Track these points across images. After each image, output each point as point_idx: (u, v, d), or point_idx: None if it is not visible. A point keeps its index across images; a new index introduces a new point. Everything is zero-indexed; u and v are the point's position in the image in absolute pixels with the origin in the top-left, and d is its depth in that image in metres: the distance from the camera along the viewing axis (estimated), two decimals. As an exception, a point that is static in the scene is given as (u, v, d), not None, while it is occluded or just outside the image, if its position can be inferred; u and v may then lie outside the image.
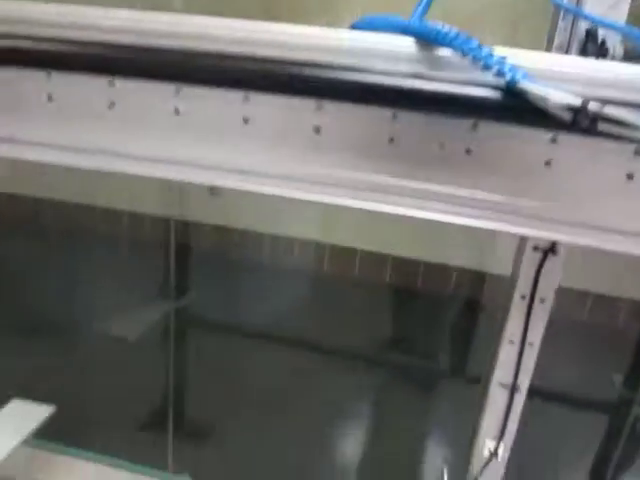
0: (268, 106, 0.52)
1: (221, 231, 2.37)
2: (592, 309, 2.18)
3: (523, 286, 0.93)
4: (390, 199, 0.54)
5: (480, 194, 0.54)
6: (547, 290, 0.92)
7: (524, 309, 0.93)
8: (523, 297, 0.93)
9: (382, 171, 0.53)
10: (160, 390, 1.56)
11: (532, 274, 0.91)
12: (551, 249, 0.87)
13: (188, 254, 2.13)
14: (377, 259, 2.31)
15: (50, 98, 0.56)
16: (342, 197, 0.54)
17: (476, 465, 1.08)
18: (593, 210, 0.54)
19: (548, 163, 0.53)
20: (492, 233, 0.56)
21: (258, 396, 1.80)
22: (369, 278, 2.32)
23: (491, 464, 1.06)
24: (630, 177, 0.52)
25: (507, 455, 1.07)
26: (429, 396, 1.96)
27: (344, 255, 2.33)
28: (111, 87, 0.54)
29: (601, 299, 2.17)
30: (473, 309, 2.20)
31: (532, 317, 0.93)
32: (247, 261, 2.42)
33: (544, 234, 0.56)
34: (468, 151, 0.52)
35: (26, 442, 1.17)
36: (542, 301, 0.92)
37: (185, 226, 2.20)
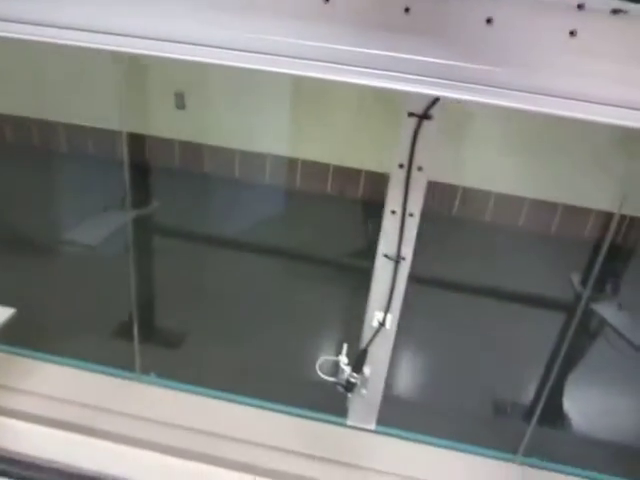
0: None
1: (188, 146, 2.40)
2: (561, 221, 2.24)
3: (401, 154, 0.90)
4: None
5: (418, 57, 0.52)
6: (424, 158, 0.89)
7: (402, 178, 0.90)
8: (401, 166, 0.90)
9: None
10: (125, 296, 1.55)
11: (408, 141, 0.87)
12: (424, 115, 0.83)
13: (150, 169, 2.11)
14: (349, 173, 2.35)
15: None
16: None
17: (367, 335, 1.08)
18: (536, 71, 0.52)
19: (490, 21, 0.51)
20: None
21: (220, 301, 1.88)
22: (341, 193, 2.38)
23: (380, 333, 1.05)
24: (573, 34, 0.50)
25: (395, 325, 1.05)
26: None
27: (316, 170, 2.37)
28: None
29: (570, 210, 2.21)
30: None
31: (411, 186, 0.91)
32: (215, 177, 2.48)
33: (488, 100, 0.54)
34: (407, 10, 0.51)
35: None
36: (419, 169, 0.89)
37: (149, 141, 2.20)
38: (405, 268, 0.99)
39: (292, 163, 2.38)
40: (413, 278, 1.01)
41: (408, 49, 0.52)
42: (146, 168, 2.04)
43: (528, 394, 1.59)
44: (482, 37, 0.51)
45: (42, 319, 1.60)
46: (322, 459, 1.13)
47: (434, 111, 0.84)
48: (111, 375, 1.36)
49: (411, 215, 0.94)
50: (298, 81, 2.03)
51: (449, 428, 1.24)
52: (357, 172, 2.34)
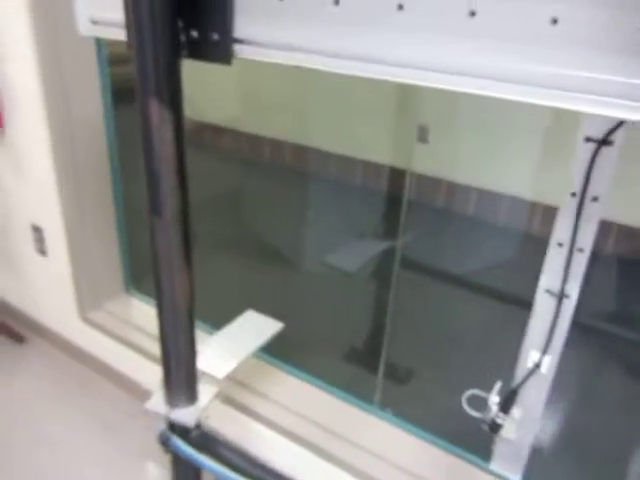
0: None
1: (426, 180, 2.43)
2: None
3: (575, 182, 0.85)
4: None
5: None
6: (600, 187, 0.83)
7: (574, 208, 0.86)
8: (573, 194, 0.85)
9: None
10: (373, 326, 1.63)
11: (584, 168, 0.83)
12: (604, 140, 0.79)
13: (398, 201, 2.20)
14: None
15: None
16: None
17: (519, 375, 1.02)
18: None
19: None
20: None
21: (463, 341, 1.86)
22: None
23: (534, 376, 0.99)
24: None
25: (553, 368, 0.98)
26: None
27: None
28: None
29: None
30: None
31: (582, 218, 0.85)
32: (451, 212, 2.47)
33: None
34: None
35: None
36: (594, 199, 0.84)
37: (397, 173, 2.29)
38: (569, 307, 0.94)
39: (536, 208, 2.32)
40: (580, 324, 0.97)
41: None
42: (392, 199, 2.19)
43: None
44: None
45: (292, 333, 1.76)
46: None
47: (616, 136, 0.80)
48: (348, 401, 1.49)
49: (580, 250, 0.89)
50: (551, 117, 1.96)
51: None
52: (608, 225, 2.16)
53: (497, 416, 1.08)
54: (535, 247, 2.36)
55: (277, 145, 2.88)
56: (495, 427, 1.09)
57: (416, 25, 0.63)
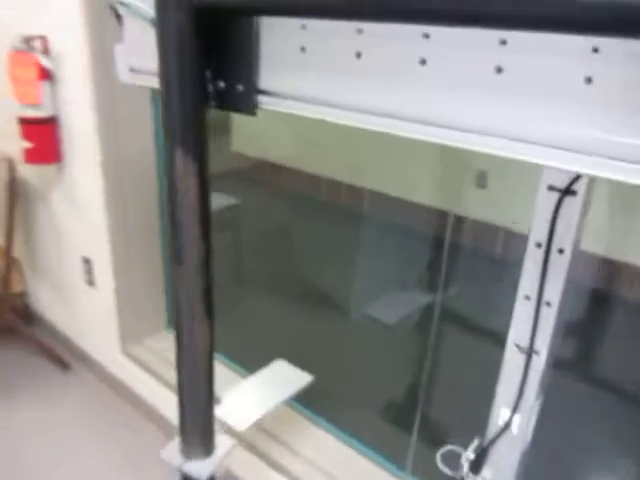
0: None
1: (483, 227, 2.29)
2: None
3: (538, 232, 0.81)
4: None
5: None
6: (565, 238, 0.80)
7: (540, 259, 0.82)
8: (539, 245, 0.82)
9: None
10: (410, 382, 1.54)
11: (548, 218, 0.79)
12: (567, 189, 0.75)
13: (452, 249, 2.08)
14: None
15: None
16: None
17: (491, 432, 0.94)
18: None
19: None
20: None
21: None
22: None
23: (503, 436, 0.93)
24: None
25: (526, 431, 0.90)
26: None
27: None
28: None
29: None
30: None
31: (549, 270, 0.81)
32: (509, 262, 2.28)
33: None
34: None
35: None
36: (560, 252, 0.80)
37: (451, 218, 2.17)
38: (539, 364, 0.87)
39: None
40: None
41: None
42: (443, 245, 2.08)
43: None
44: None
45: (325, 383, 1.69)
46: None
47: (578, 185, 0.75)
48: (378, 463, 1.40)
49: (548, 304, 0.83)
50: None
51: None
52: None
53: (467, 476, 0.99)
54: (602, 306, 2.20)
55: (331, 184, 2.88)
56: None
57: (440, 81, 0.59)
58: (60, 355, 2.26)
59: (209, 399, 1.00)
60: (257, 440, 1.47)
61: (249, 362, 1.53)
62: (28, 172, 2.10)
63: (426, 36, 0.59)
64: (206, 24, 0.76)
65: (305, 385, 1.26)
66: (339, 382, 1.80)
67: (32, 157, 1.84)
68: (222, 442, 1.06)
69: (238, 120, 2.85)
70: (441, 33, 0.58)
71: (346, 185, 2.83)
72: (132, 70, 0.97)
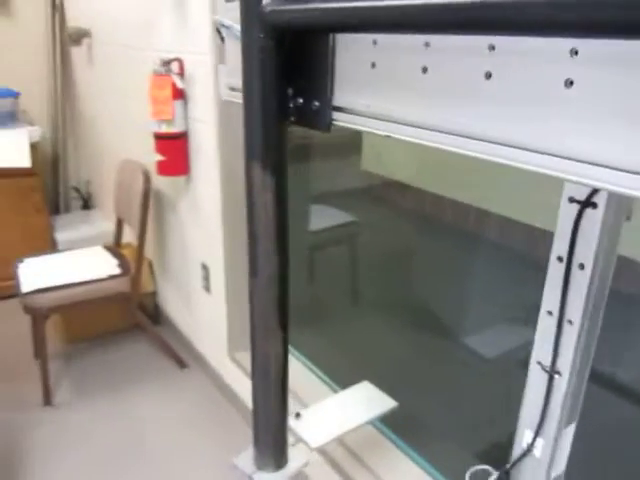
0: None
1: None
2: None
3: (560, 246, 0.78)
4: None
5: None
6: (586, 252, 0.75)
7: (561, 274, 0.78)
8: (560, 259, 0.78)
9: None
10: (504, 423, 1.41)
11: (569, 232, 0.76)
12: (588, 201, 0.72)
13: None
14: None
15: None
16: None
17: (515, 453, 0.90)
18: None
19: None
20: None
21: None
22: None
23: (526, 459, 0.89)
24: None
25: (548, 454, 0.85)
26: None
27: None
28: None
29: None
30: None
31: (570, 286, 0.77)
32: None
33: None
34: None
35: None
36: (581, 267, 0.76)
37: None
38: (561, 385, 0.80)
39: None
40: None
41: None
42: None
43: None
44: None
45: (415, 410, 1.63)
46: None
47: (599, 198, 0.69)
48: None
49: (570, 322, 0.78)
50: None
51: None
52: None
53: None
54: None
55: (456, 206, 2.78)
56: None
57: (509, 95, 0.54)
58: (179, 355, 2.42)
59: (282, 412, 1.00)
60: (341, 458, 1.45)
61: (343, 378, 1.50)
62: (162, 183, 2.30)
63: (492, 48, 0.55)
64: (287, 43, 0.77)
65: (388, 411, 1.22)
66: (431, 411, 1.72)
67: (164, 169, 2.01)
68: (295, 456, 1.06)
69: (368, 139, 2.88)
70: (506, 42, 0.53)
71: (473, 208, 2.72)
72: (231, 89, 1.02)
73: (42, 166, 3.16)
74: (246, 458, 1.05)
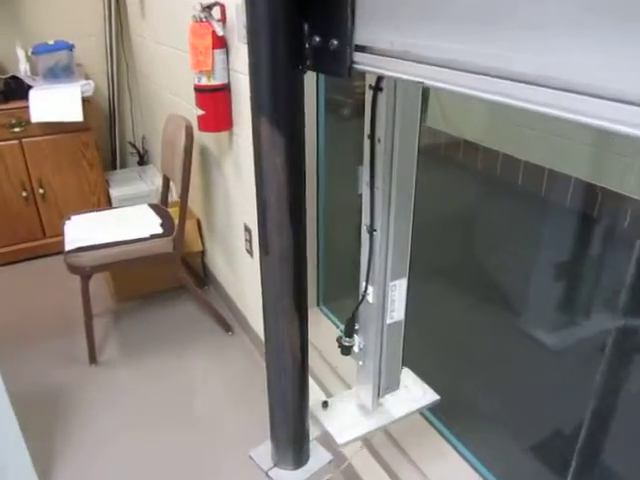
0: None
1: None
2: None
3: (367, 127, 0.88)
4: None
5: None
6: (380, 129, 0.86)
7: (368, 149, 0.90)
8: (369, 137, 0.89)
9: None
10: (568, 419, 1.26)
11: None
12: (377, 85, 0.82)
13: None
14: None
15: None
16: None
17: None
18: None
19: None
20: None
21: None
22: None
23: (364, 305, 1.02)
24: None
25: (379, 299, 1.00)
26: None
27: None
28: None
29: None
30: None
31: (376, 159, 0.89)
32: None
33: None
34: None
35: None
36: (379, 141, 0.87)
37: None
38: (380, 240, 0.95)
39: None
40: None
41: None
42: None
43: None
44: None
45: (465, 399, 1.51)
46: None
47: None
48: None
49: (377, 188, 0.92)
50: None
51: None
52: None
53: (344, 340, 1.08)
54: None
55: (530, 168, 2.54)
56: (344, 349, 1.08)
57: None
58: (225, 317, 2.37)
59: (301, 403, 0.88)
60: (383, 448, 1.33)
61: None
62: (207, 139, 2.19)
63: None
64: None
65: (430, 405, 1.07)
66: (484, 400, 1.55)
67: (205, 124, 1.89)
68: (317, 453, 0.94)
69: (434, 94, 2.67)
70: None
71: (547, 170, 2.46)
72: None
73: (97, 121, 3.14)
74: (263, 452, 0.95)
